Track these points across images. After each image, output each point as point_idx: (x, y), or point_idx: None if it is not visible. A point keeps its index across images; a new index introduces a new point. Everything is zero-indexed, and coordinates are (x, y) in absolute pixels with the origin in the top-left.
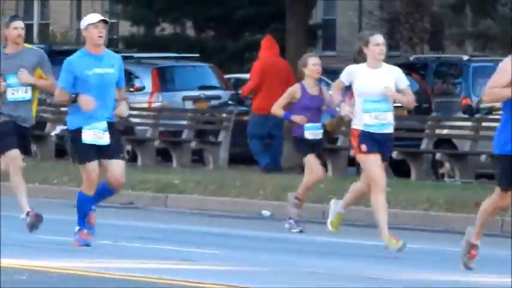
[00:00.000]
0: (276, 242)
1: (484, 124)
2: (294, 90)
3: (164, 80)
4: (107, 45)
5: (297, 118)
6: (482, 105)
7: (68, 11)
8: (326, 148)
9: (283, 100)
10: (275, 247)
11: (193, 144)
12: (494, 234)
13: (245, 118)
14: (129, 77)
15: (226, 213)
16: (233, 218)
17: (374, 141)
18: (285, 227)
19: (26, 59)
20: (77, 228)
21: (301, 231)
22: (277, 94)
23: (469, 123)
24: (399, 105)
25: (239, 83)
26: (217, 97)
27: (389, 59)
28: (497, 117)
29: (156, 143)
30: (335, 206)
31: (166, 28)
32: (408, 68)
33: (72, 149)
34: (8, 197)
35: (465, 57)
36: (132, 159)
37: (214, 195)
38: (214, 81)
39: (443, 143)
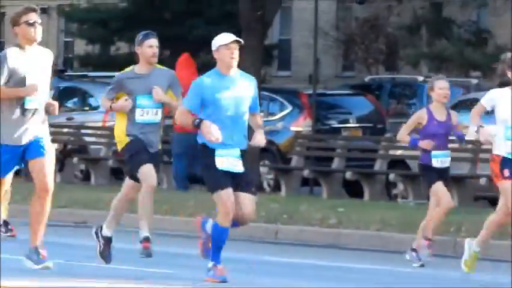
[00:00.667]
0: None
1: None
2: (420, 115)
3: None
4: (63, 64)
5: (423, 143)
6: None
7: None
8: (279, 168)
9: (408, 127)
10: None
11: None
12: (446, 255)
13: None
14: (84, 95)
15: (179, 232)
16: (185, 238)
17: None
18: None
19: (157, 79)
20: (211, 263)
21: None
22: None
23: None
24: None
25: None
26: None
27: (344, 80)
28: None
29: (110, 162)
30: (469, 245)
31: (121, 47)
32: (363, 89)
33: (205, 176)
34: None
35: (420, 78)
36: (86, 178)
37: (168, 215)
38: None
39: (397, 163)
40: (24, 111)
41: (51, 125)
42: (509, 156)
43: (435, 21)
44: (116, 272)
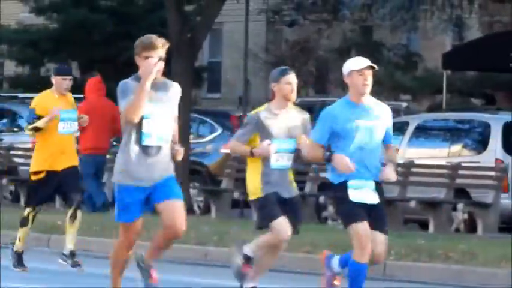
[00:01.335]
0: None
1: None
2: None
3: None
4: None
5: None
6: None
7: None
8: (209, 190)
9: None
10: None
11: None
12: (376, 278)
13: None
14: (14, 116)
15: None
16: None
17: None
18: None
19: (295, 120)
20: None
21: None
22: (103, 134)
23: None
24: None
25: None
26: None
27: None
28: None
29: None
30: None
31: (51, 68)
32: None
33: (339, 210)
34: None
35: None
36: (15, 199)
37: (96, 237)
38: None
39: (327, 186)
40: None
41: None
42: None
43: (365, 44)
44: None
